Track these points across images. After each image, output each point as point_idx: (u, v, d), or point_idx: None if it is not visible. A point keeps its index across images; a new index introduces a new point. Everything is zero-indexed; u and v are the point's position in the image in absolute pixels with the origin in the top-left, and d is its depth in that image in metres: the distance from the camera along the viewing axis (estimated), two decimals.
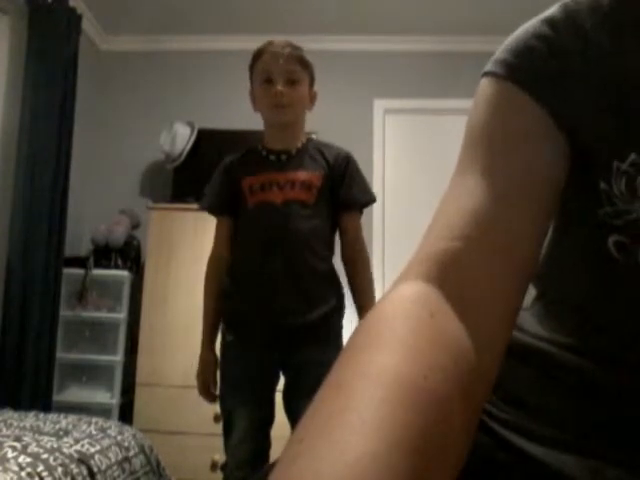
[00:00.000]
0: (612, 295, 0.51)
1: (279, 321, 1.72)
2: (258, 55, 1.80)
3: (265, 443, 1.76)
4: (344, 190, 1.82)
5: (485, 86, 0.54)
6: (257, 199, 1.77)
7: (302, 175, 1.78)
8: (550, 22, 0.53)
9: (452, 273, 0.43)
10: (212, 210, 1.91)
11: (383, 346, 0.35)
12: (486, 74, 0.55)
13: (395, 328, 0.37)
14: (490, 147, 0.50)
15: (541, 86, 0.51)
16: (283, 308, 1.71)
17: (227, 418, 1.75)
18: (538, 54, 0.52)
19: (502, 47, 0.55)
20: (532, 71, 0.51)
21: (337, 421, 0.30)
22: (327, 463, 0.27)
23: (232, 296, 1.81)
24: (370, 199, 1.89)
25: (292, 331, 1.72)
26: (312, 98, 1.87)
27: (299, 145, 1.84)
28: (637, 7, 0.50)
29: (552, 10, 0.54)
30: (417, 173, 3.78)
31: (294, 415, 1.76)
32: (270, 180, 1.77)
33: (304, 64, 1.82)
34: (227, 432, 1.75)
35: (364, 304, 1.78)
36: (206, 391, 1.81)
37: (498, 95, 0.52)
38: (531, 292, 0.57)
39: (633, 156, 0.47)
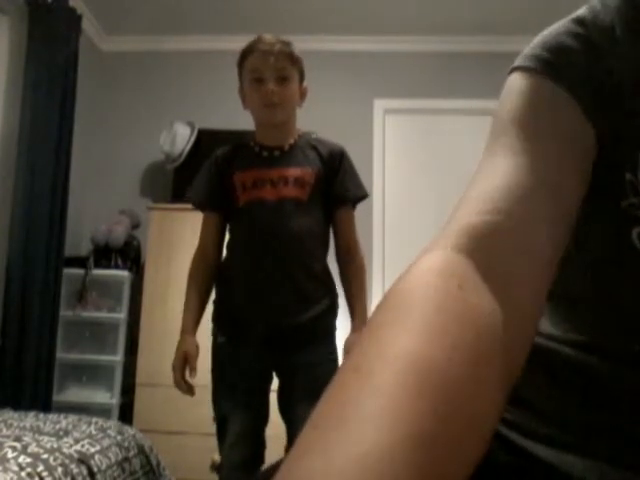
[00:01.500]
0: (635, 287, 0.50)
1: (273, 322, 1.69)
2: (247, 53, 1.75)
3: (260, 445, 1.73)
4: (338, 185, 1.78)
5: (516, 80, 0.54)
6: (249, 196, 1.73)
7: (295, 172, 1.74)
8: (580, 21, 0.54)
9: (483, 245, 0.42)
10: (201, 205, 1.85)
11: (406, 325, 0.34)
12: (517, 69, 0.54)
13: (420, 304, 0.36)
14: (522, 133, 0.49)
15: (574, 81, 0.51)
16: (277, 308, 1.68)
17: (221, 421, 1.72)
18: (571, 50, 0.52)
19: (532, 44, 0.55)
20: (566, 66, 0.51)
21: (352, 409, 0.29)
22: (339, 456, 0.27)
23: (224, 297, 1.78)
24: (364, 194, 1.84)
25: (286, 332, 1.70)
26: (302, 94, 1.83)
27: (292, 141, 1.79)
28: None
29: (581, 10, 0.55)
30: (417, 173, 3.78)
31: (289, 417, 1.73)
32: (263, 177, 1.73)
33: (294, 60, 1.79)
34: (221, 435, 1.72)
35: (356, 303, 1.75)
36: (183, 382, 1.73)
37: (531, 88, 0.52)
38: None
39: None
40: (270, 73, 1.71)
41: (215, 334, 1.79)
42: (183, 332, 1.77)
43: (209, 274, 1.81)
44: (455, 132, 3.75)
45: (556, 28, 0.55)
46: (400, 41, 3.92)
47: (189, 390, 1.73)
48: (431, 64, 3.89)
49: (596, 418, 0.48)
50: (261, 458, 1.73)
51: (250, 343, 1.71)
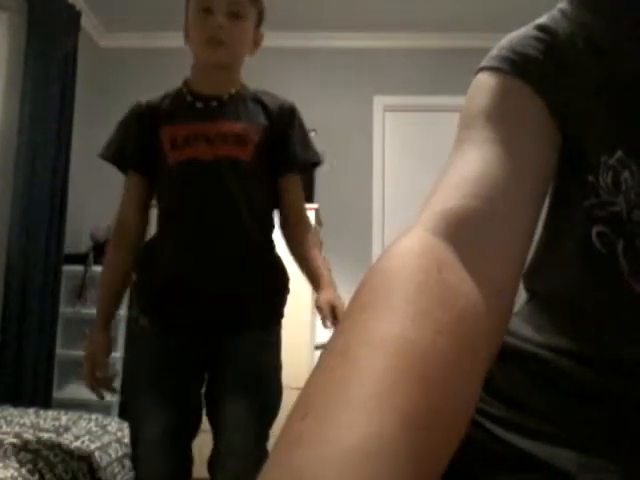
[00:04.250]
0: (597, 287, 0.51)
1: (206, 301, 1.41)
2: None
3: (184, 455, 1.43)
4: (285, 147, 1.50)
5: (485, 78, 0.55)
6: (180, 155, 1.44)
7: (236, 127, 1.45)
8: (544, 28, 0.56)
9: (460, 228, 0.43)
10: (117, 162, 1.55)
11: (389, 308, 0.34)
12: (483, 69, 0.56)
13: (401, 286, 0.36)
14: (491, 125, 0.51)
15: (541, 83, 0.52)
16: (212, 285, 1.41)
17: (135, 426, 1.41)
18: (537, 54, 0.54)
19: (497, 47, 0.57)
20: (533, 68, 0.53)
21: (341, 396, 0.29)
22: (331, 447, 0.26)
23: (149, 272, 1.48)
24: (316, 159, 1.56)
25: (222, 314, 1.43)
26: (257, 41, 1.55)
27: (232, 91, 1.50)
28: (635, 10, 0.51)
29: (543, 18, 0.57)
30: (417, 170, 3.78)
31: (216, 415, 1.42)
32: (196, 132, 1.44)
33: None
34: (135, 442, 1.39)
35: (317, 267, 1.47)
36: (93, 377, 1.48)
37: (500, 86, 0.53)
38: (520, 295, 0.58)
39: (620, 153, 0.49)
40: (221, 5, 1.44)
41: (134, 316, 1.50)
42: (96, 324, 1.51)
43: (127, 252, 1.50)
44: (455, 129, 3.75)
45: (521, 33, 0.57)
46: (400, 38, 3.91)
47: (105, 387, 1.50)
48: (431, 61, 3.89)
49: (581, 416, 0.49)
50: (186, 475, 1.42)
51: (177, 327, 1.43)
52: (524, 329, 0.56)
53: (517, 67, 0.54)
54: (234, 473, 1.32)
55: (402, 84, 3.90)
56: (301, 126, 1.54)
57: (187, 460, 1.43)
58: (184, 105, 1.49)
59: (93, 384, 1.49)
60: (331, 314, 1.35)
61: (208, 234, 1.41)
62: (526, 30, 0.57)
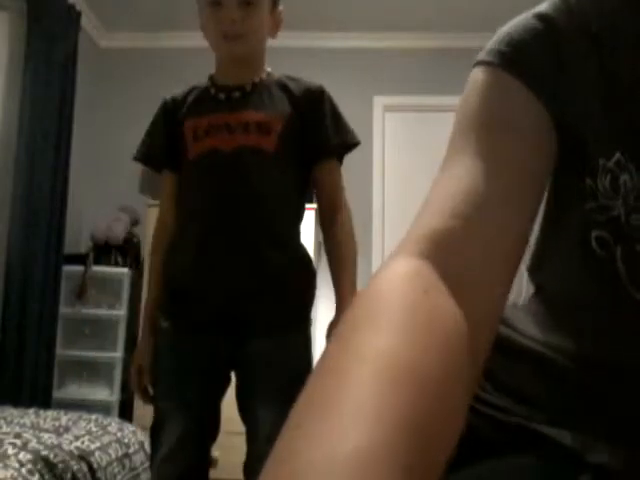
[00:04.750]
0: (597, 291, 0.51)
1: (228, 303, 1.36)
2: None
3: (202, 460, 1.40)
4: (317, 133, 1.42)
5: (478, 75, 0.54)
6: (201, 147, 1.39)
7: (259, 116, 1.39)
8: (543, 17, 0.54)
9: (447, 250, 0.43)
10: (148, 162, 1.54)
11: (379, 327, 0.35)
12: (479, 63, 0.55)
13: (390, 308, 0.37)
14: (483, 132, 0.50)
15: (535, 77, 0.51)
16: (233, 286, 1.36)
17: (156, 426, 1.37)
18: (532, 47, 0.52)
19: (494, 39, 0.56)
20: (527, 62, 0.52)
21: (334, 407, 0.29)
22: (325, 452, 0.26)
23: (170, 273, 1.44)
24: (352, 140, 1.47)
25: (245, 316, 1.37)
26: (277, 22, 1.47)
27: (256, 80, 1.45)
28: (633, 9, 0.50)
29: (543, 6, 0.55)
30: (417, 170, 3.77)
31: (249, 421, 1.38)
32: (218, 122, 1.39)
33: None
34: (155, 442, 1.37)
35: (341, 285, 1.40)
36: (139, 386, 1.44)
37: (492, 83, 0.52)
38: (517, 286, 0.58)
39: (618, 155, 0.48)
40: None
41: (157, 318, 1.45)
42: (142, 330, 1.48)
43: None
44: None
45: (518, 23, 0.55)
46: (399, 38, 3.91)
47: (147, 398, 1.45)
48: (431, 61, 3.89)
49: (582, 410, 0.51)
50: (202, 476, 1.39)
51: (198, 329, 1.39)
52: (529, 326, 0.57)
53: (514, 64, 0.52)
54: None
55: (402, 84, 3.90)
56: (333, 108, 1.45)
57: (204, 461, 1.40)
58: (207, 98, 1.46)
59: (139, 389, 1.45)
60: None
61: (229, 230, 1.36)
62: (526, 20, 0.55)
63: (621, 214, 0.48)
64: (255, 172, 1.37)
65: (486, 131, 0.50)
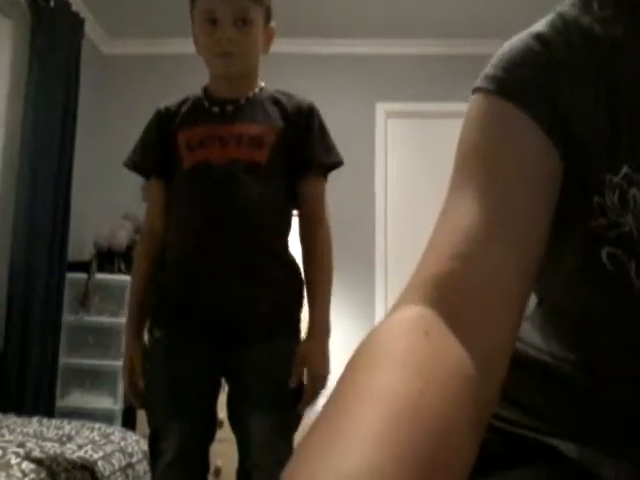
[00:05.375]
0: (606, 307, 0.51)
1: (222, 310, 1.40)
2: None
3: (202, 464, 1.42)
4: (305, 148, 1.46)
5: (476, 103, 0.53)
6: (194, 158, 1.42)
7: (252, 129, 1.42)
8: (540, 38, 0.53)
9: (447, 293, 0.43)
10: (139, 169, 1.55)
11: (379, 367, 0.36)
12: (477, 90, 0.53)
13: (391, 349, 0.38)
14: (484, 167, 0.49)
15: (534, 102, 0.50)
16: (227, 294, 1.39)
17: (154, 437, 1.39)
18: (530, 70, 0.51)
19: (491, 62, 0.54)
20: (524, 87, 0.51)
21: (334, 439, 0.30)
22: (323, 475, 0.27)
23: (163, 282, 1.47)
24: (337, 160, 1.50)
25: (237, 324, 1.40)
26: (268, 38, 1.50)
27: (250, 94, 1.48)
28: (631, 22, 0.50)
29: (541, 25, 0.54)
30: (420, 177, 3.77)
31: (240, 429, 1.41)
32: (211, 134, 1.42)
33: None
34: (154, 454, 1.39)
35: (316, 304, 1.44)
36: (133, 390, 1.45)
37: (490, 112, 0.51)
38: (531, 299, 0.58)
39: (625, 169, 0.48)
40: (226, 15, 1.39)
41: (150, 329, 1.48)
42: (127, 335, 1.50)
43: (156, 260, 1.49)
44: (458, 135, 3.74)
45: (514, 44, 0.54)
46: (402, 44, 3.91)
47: (137, 399, 1.47)
48: (434, 67, 3.89)
49: (585, 421, 0.51)
50: (203, 478, 1.43)
51: (192, 337, 1.42)
52: (533, 336, 0.57)
53: (507, 87, 0.51)
54: None
55: (405, 90, 3.89)
56: (321, 127, 1.49)
57: (204, 468, 1.43)
58: (201, 110, 1.48)
59: (133, 393, 1.46)
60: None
61: (222, 240, 1.39)
62: (522, 41, 0.53)
63: (632, 229, 0.47)
64: (248, 184, 1.40)
65: (487, 169, 0.49)
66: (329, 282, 1.47)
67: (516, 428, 0.53)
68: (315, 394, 1.40)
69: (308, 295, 1.46)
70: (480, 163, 0.49)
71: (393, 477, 0.28)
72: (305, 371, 1.41)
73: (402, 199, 3.76)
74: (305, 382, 1.41)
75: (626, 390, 0.49)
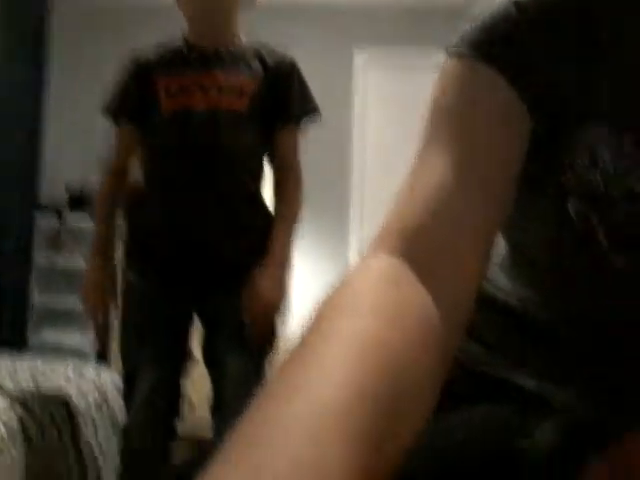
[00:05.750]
0: (573, 260, 0.54)
1: (197, 253, 1.44)
2: None
3: (176, 401, 1.50)
4: (284, 98, 1.50)
5: (451, 65, 0.54)
6: (174, 105, 1.44)
7: (232, 78, 1.45)
8: (519, 5, 0.52)
9: (418, 245, 0.44)
10: (115, 114, 1.55)
11: (347, 314, 0.37)
12: (452, 53, 0.54)
13: (360, 298, 0.39)
14: (456, 125, 0.50)
15: (509, 65, 0.51)
16: (204, 239, 1.44)
17: (129, 376, 1.47)
18: (507, 34, 0.52)
19: (468, 27, 0.54)
20: (501, 50, 0.51)
21: (301, 378, 0.32)
22: (291, 408, 0.29)
23: (140, 225, 1.52)
24: (312, 110, 1.55)
25: (213, 267, 1.46)
26: None
27: (230, 45, 1.49)
28: None
29: None
30: (398, 125, 3.61)
31: (215, 370, 1.48)
32: (192, 82, 1.43)
33: None
34: (129, 393, 1.47)
35: (278, 222, 1.48)
36: (95, 300, 1.49)
37: (466, 74, 0.52)
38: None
39: (596, 127, 0.49)
40: None
41: (126, 271, 1.52)
42: (92, 256, 1.52)
43: (123, 198, 1.56)
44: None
45: (493, 11, 0.53)
46: None
47: (97, 314, 1.51)
48: (412, 14, 3.81)
49: (543, 355, 0.55)
50: (176, 412, 1.51)
51: (168, 279, 1.47)
52: (501, 279, 0.60)
53: (483, 49, 0.51)
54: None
55: (383, 38, 3.81)
56: (300, 80, 1.54)
57: (177, 399, 1.50)
58: (181, 58, 1.49)
59: (92, 306, 1.49)
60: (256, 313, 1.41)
61: (203, 183, 1.42)
62: (502, 7, 0.53)
63: (600, 185, 0.49)
64: (228, 131, 1.43)
65: (456, 124, 0.50)
66: (294, 219, 1.51)
67: (481, 365, 0.56)
68: (267, 319, 1.44)
69: (272, 228, 1.49)
70: (450, 120, 0.51)
71: (358, 413, 0.30)
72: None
73: (381, 153, 3.68)
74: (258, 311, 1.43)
75: (589, 332, 0.53)
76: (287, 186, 1.52)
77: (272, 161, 1.56)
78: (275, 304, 1.44)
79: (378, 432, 0.30)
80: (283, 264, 1.46)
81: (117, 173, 1.57)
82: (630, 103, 0.50)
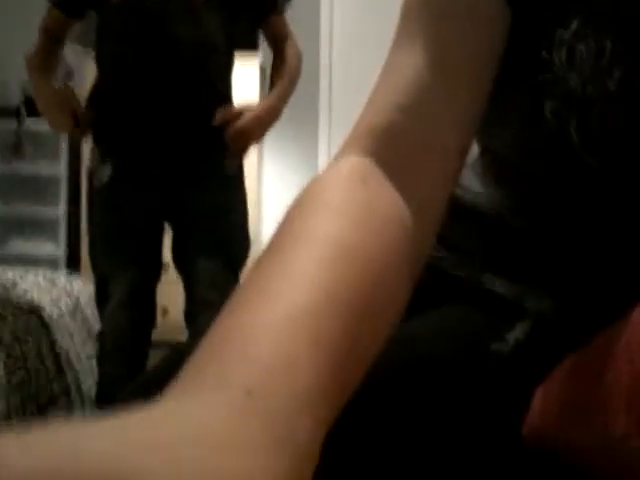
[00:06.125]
0: (546, 161, 0.53)
1: (166, 150, 1.42)
2: None
3: (149, 306, 1.50)
4: None
5: None
6: None
7: None
8: None
9: (388, 145, 0.44)
10: (61, 5, 1.49)
11: (316, 214, 0.37)
12: None
13: (328, 198, 0.39)
14: (429, 19, 0.49)
15: None
16: (175, 131, 1.41)
17: (101, 281, 1.46)
18: None
19: None
20: None
21: (270, 280, 0.32)
22: (262, 314, 0.29)
23: (105, 120, 1.47)
24: None
25: (183, 163, 1.43)
26: None
27: None
28: None
29: None
30: (368, 24, 3.57)
31: (187, 272, 1.48)
32: None
33: None
34: (102, 299, 1.46)
35: (274, 84, 1.51)
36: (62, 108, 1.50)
37: None
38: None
39: (576, 23, 0.48)
40: None
41: (95, 170, 1.50)
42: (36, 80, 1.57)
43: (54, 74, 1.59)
44: None
45: None
46: None
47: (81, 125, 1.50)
48: None
49: (514, 257, 0.55)
50: (152, 320, 1.52)
51: (137, 182, 1.44)
52: (472, 182, 0.59)
53: None
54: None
55: None
56: None
57: (152, 307, 1.51)
58: None
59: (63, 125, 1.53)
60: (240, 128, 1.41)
61: (158, 72, 1.38)
62: None
63: (577, 85, 0.48)
64: (183, 23, 1.36)
65: (432, 17, 0.48)
66: (290, 83, 1.52)
67: (453, 269, 0.57)
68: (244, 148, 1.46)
69: (271, 85, 1.53)
70: (424, 13, 0.49)
71: (328, 315, 0.30)
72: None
73: (348, 47, 3.61)
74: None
75: (561, 235, 0.53)
76: (285, 59, 1.52)
77: (268, 41, 1.56)
78: (253, 142, 1.48)
79: (349, 335, 0.30)
80: (272, 108, 1.48)
81: (46, 53, 1.58)
82: (612, 1, 0.48)
